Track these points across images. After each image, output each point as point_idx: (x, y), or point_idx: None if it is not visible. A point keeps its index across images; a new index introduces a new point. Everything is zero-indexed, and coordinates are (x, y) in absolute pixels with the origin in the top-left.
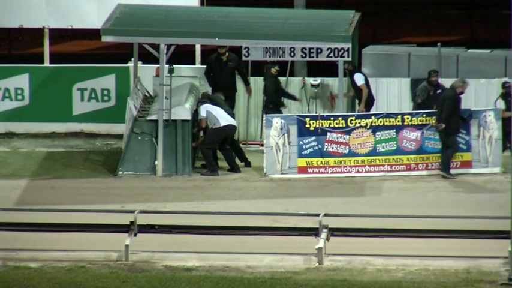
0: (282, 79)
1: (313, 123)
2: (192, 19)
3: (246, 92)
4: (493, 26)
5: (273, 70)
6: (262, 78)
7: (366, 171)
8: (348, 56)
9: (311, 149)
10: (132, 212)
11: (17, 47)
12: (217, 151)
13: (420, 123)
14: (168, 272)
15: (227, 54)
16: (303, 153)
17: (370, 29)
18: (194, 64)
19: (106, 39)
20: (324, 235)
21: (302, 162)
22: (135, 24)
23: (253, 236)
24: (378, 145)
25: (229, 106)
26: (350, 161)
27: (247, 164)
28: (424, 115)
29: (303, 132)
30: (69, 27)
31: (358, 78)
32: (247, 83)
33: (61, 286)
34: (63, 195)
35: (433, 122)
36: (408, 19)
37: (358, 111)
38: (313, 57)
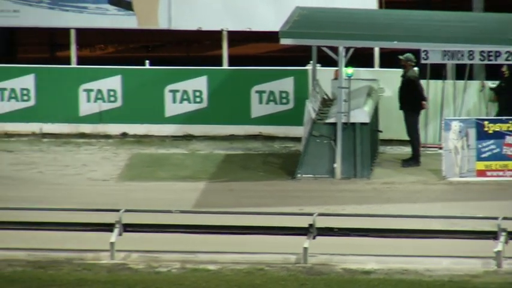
0: (460, 82)
1: (491, 126)
2: (370, 22)
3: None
4: None
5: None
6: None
7: None
8: None
9: (490, 152)
10: (311, 214)
11: (195, 50)
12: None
13: None
14: (347, 274)
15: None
16: (482, 156)
17: None
18: (373, 67)
19: (285, 41)
20: (502, 238)
21: (480, 165)
22: (314, 27)
23: (431, 239)
24: None
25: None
26: None
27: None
28: None
29: (482, 135)
30: (248, 30)
31: None
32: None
33: None
34: (241, 197)
35: None
36: None
37: None
38: (491, 60)
